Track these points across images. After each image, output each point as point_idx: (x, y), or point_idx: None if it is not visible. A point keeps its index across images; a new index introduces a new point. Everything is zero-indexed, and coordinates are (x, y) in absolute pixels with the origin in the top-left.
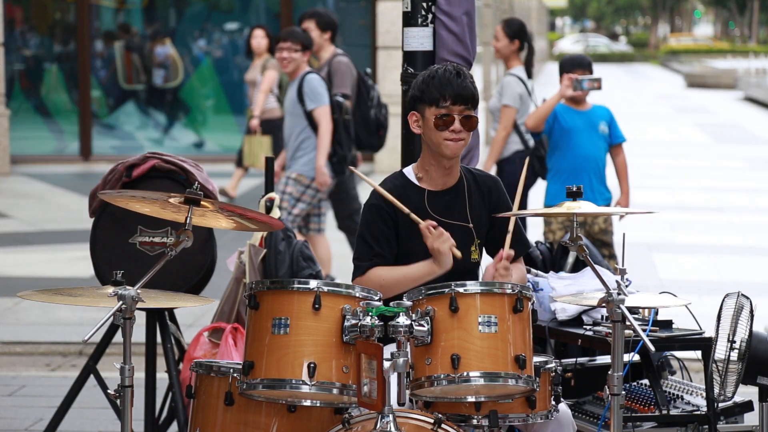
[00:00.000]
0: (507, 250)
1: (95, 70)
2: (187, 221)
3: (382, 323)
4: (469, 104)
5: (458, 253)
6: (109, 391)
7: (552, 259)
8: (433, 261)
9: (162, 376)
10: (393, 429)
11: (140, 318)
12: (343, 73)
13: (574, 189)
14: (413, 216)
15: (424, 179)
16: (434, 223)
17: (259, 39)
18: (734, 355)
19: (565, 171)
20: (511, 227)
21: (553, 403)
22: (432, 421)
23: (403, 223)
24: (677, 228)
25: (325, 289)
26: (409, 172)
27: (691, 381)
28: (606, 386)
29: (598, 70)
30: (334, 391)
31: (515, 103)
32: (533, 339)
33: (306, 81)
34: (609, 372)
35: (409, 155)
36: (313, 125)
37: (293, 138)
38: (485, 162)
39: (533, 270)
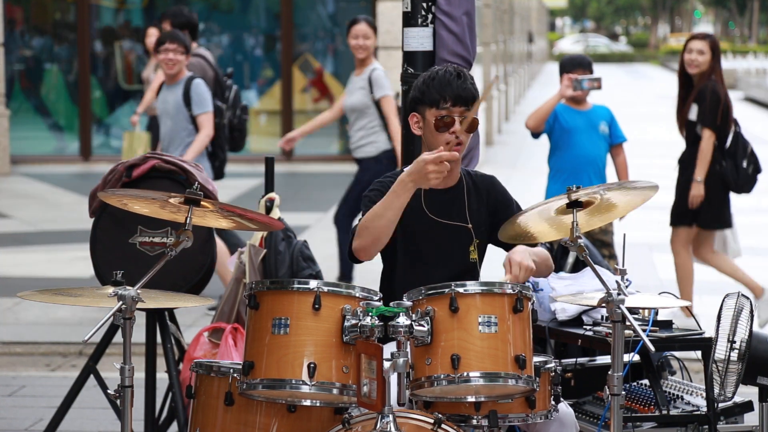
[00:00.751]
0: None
1: (95, 70)
2: (187, 221)
3: (382, 323)
4: (470, 105)
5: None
6: (109, 391)
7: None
8: (412, 170)
9: (162, 376)
10: (393, 429)
11: (140, 318)
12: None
13: (575, 189)
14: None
15: None
16: (455, 156)
17: (153, 38)
18: (734, 356)
19: (565, 171)
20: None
21: (553, 402)
22: (432, 421)
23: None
24: None
25: (325, 289)
26: None
27: (691, 381)
28: (606, 386)
29: (598, 70)
30: (334, 391)
31: (392, 92)
32: (533, 339)
33: (194, 86)
34: (609, 372)
35: (409, 155)
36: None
37: (177, 141)
38: None
39: None
